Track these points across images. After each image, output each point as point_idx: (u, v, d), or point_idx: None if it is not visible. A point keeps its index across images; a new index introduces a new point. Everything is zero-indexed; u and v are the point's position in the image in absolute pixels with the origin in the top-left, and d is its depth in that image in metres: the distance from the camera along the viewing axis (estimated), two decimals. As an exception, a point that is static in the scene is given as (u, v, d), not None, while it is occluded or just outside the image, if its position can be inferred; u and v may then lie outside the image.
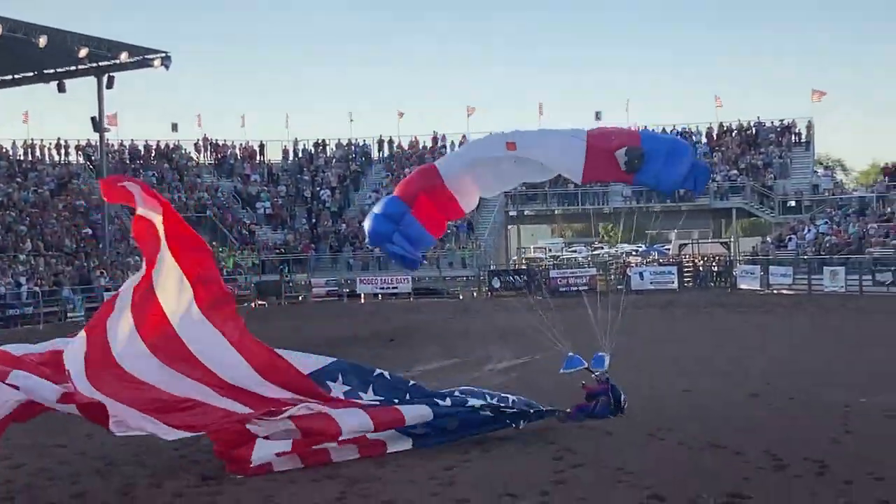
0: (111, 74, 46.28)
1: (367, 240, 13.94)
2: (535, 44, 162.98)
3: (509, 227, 58.69)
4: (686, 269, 47.38)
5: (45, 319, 37.77)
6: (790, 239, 45.77)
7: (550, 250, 76.03)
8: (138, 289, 11.58)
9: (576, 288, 43.82)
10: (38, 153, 56.56)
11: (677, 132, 59.34)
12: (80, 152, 57.56)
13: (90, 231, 48.51)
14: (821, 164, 68.56)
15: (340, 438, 11.56)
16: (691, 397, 15.80)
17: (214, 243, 52.39)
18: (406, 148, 62.77)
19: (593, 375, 13.78)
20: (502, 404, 12.84)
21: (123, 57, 45.10)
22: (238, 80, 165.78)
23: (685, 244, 57.51)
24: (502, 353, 22.58)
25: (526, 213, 57.29)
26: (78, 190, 52.75)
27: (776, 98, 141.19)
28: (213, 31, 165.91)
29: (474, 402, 12.65)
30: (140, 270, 11.88)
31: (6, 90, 50.68)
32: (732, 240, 56.46)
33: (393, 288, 47.21)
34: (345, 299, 47.39)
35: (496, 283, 46.37)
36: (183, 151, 61.10)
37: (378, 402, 12.05)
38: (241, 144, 62.96)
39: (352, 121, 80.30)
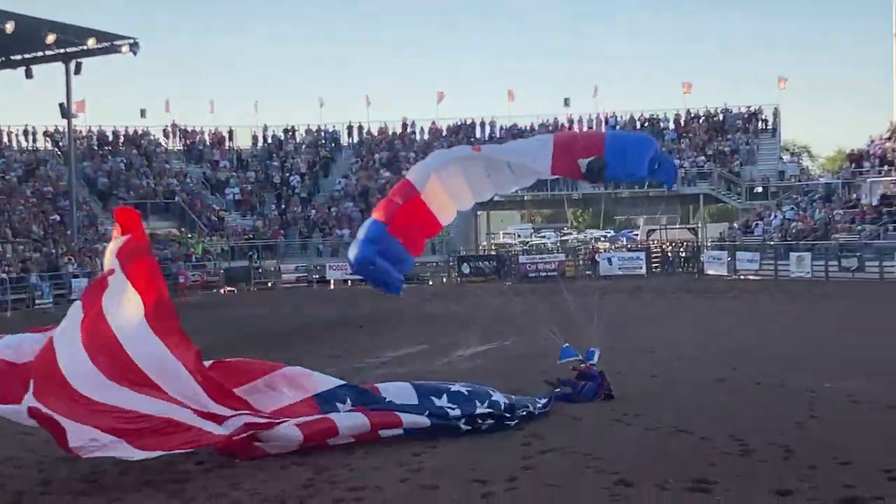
0: (79, 60, 45.82)
1: (351, 268, 14.09)
2: (504, 30, 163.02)
3: (479, 212, 58.70)
4: (654, 255, 47.66)
5: (12, 307, 37.42)
6: (757, 225, 46.11)
7: (519, 236, 76.13)
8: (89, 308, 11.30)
9: (545, 274, 44.01)
10: (5, 139, 56.06)
11: (645, 119, 59.70)
12: (47, 138, 57.16)
13: (58, 218, 48.13)
14: (787, 150, 69.08)
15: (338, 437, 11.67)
16: (659, 383, 15.87)
17: (183, 229, 52.26)
18: (376, 134, 62.71)
19: (583, 366, 14.43)
20: (507, 414, 12.65)
21: (91, 43, 44.66)
22: (207, 65, 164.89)
23: (653, 230, 57.85)
24: (470, 340, 22.62)
25: (495, 198, 57.05)
26: (46, 176, 52.36)
27: (743, 85, 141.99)
28: (181, 16, 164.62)
29: (480, 409, 12.49)
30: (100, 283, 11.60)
31: (-27, 76, 50.21)
32: (700, 226, 56.78)
33: (362, 274, 46.95)
34: (314, 285, 47.35)
35: (466, 269, 46.46)
36: (151, 137, 60.78)
37: (378, 407, 12.14)
38: (210, 130, 62.74)
39: (322, 106, 79.47)
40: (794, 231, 43.33)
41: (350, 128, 63.33)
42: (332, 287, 46.46)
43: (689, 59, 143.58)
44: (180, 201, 54.05)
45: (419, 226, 13.67)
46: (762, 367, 17.15)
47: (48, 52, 45.45)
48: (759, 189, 52.57)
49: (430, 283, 46.74)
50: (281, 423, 11.40)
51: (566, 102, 61.44)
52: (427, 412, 12.19)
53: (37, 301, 38.74)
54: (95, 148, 57.83)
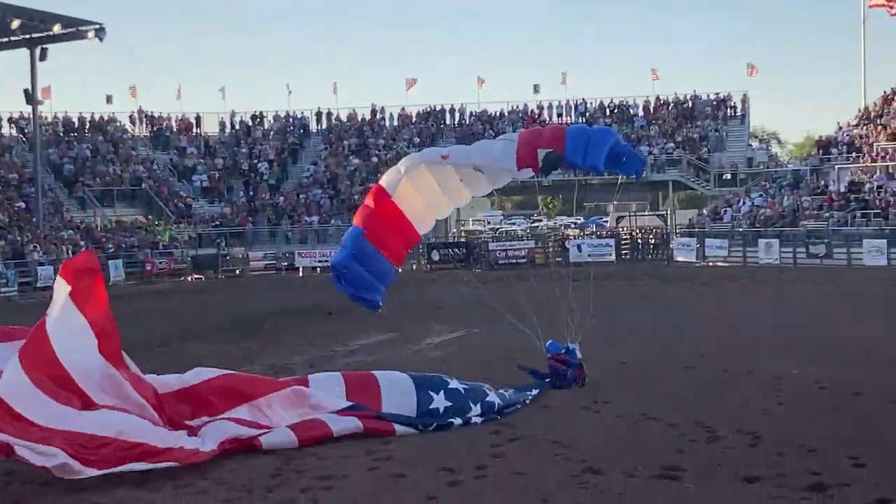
0: (44, 46, 45.32)
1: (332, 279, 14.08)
2: (474, 16, 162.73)
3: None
4: (623, 242, 47.74)
5: (-24, 294, 37.12)
6: (725, 211, 46.31)
7: (489, 223, 76.18)
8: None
9: (515, 261, 44.02)
10: (-31, 126, 55.40)
11: (615, 105, 59.77)
12: (12, 125, 56.54)
13: (23, 205, 47.67)
14: (756, 137, 69.37)
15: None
16: (627, 370, 15.90)
17: (150, 216, 51.91)
18: (344, 120, 62.47)
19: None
20: (498, 417, 12.54)
21: (57, 28, 44.27)
22: (173, 51, 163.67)
23: (622, 217, 57.86)
24: (440, 327, 22.59)
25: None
26: (10, 163, 51.79)
27: (712, 72, 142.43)
28: (148, 1, 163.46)
29: (474, 411, 12.42)
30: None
31: (-64, 62, 49.62)
32: (669, 212, 56.90)
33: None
34: (283, 273, 47.14)
35: (435, 256, 46.36)
36: (118, 124, 60.25)
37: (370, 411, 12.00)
38: (176, 117, 62.29)
39: (290, 93, 79.35)
40: (762, 218, 43.56)
41: (319, 114, 63.04)
42: (301, 275, 46.26)
43: (658, 46, 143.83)
44: (147, 188, 53.67)
45: (395, 231, 13.82)
46: (730, 354, 17.20)
47: (13, 38, 45.03)
48: (728, 176, 52.81)
49: (399, 270, 46.45)
50: (269, 432, 11.26)
51: (536, 89, 61.55)
52: (421, 424, 11.99)
53: (2, 289, 38.37)
54: (61, 134, 57.31)
